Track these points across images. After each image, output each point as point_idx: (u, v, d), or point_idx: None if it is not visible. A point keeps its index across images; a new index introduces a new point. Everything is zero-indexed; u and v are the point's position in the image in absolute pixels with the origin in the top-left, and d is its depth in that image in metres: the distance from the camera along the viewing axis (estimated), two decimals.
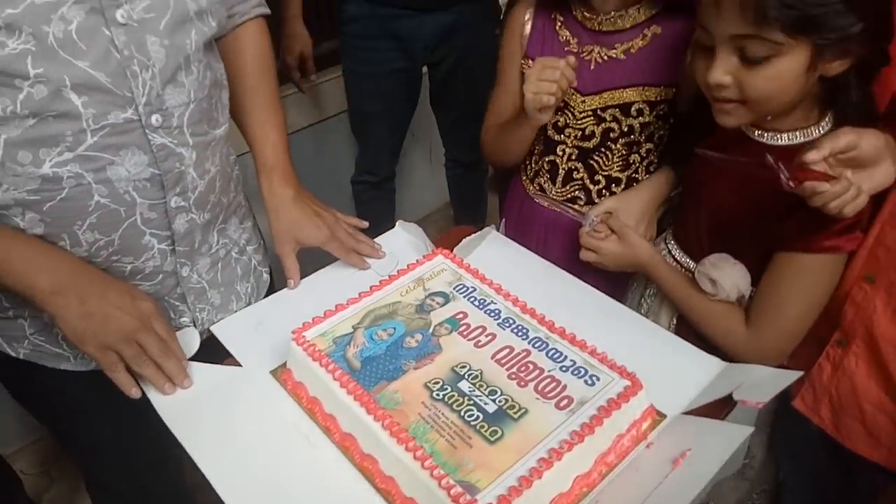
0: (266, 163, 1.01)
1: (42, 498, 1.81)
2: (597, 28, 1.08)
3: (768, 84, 0.81)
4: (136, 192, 0.81)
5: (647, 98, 1.08)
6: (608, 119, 1.10)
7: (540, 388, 0.74)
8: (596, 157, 1.14)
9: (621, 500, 0.68)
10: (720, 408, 0.76)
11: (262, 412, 0.80)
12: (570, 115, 1.12)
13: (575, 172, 1.16)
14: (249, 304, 1.02)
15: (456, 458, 0.67)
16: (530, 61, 1.13)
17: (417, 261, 0.95)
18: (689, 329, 0.99)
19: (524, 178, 1.24)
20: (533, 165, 1.22)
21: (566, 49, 1.11)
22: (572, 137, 1.14)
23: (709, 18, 0.82)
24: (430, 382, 0.76)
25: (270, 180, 1.00)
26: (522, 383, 0.75)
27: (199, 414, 0.81)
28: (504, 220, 1.29)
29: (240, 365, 0.88)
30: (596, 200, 1.14)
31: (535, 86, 1.00)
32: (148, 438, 0.93)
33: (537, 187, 1.21)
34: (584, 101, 1.10)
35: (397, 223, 1.12)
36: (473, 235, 1.08)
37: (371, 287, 0.90)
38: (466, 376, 0.76)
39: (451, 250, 0.99)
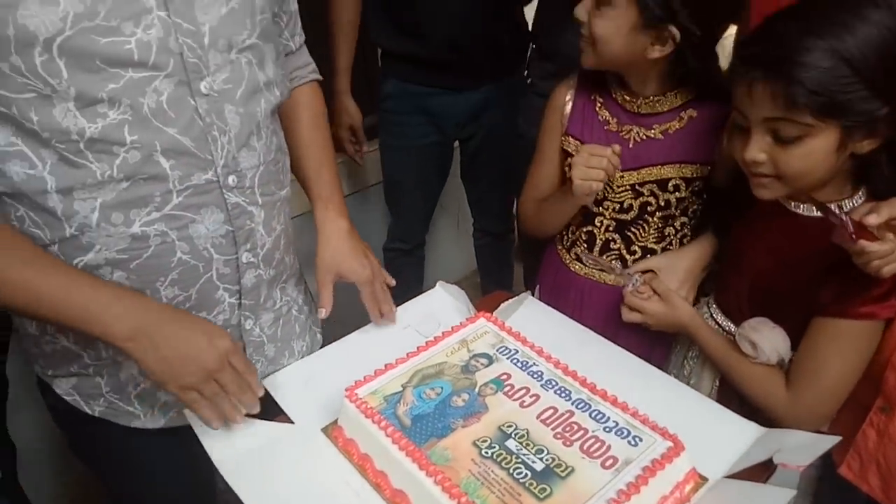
0: (322, 193, 1.06)
1: None
2: (636, 110, 1.14)
3: (801, 162, 0.87)
4: (213, 249, 0.87)
5: (684, 175, 1.14)
6: (646, 193, 1.16)
7: (585, 447, 0.77)
8: (633, 229, 1.19)
9: None
10: (761, 472, 0.78)
11: (313, 469, 0.83)
12: (609, 188, 1.18)
13: (612, 243, 1.20)
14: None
15: None
16: (571, 139, 1.20)
17: (461, 323, 0.99)
18: (731, 391, 1.02)
19: (560, 247, 1.29)
20: (570, 235, 1.27)
21: (606, 128, 1.17)
22: (611, 210, 1.19)
23: (743, 103, 0.88)
24: (478, 440, 0.78)
25: (327, 209, 1.05)
26: (568, 443, 0.78)
27: (255, 469, 0.83)
28: (539, 286, 1.33)
29: (291, 421, 0.91)
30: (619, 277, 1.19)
31: (583, 172, 1.07)
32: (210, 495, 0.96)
33: (574, 256, 1.26)
34: (622, 177, 1.16)
35: (438, 284, 1.17)
36: (511, 300, 1.13)
37: (418, 347, 0.94)
38: (513, 435, 0.79)
39: (492, 314, 1.03)
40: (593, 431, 0.79)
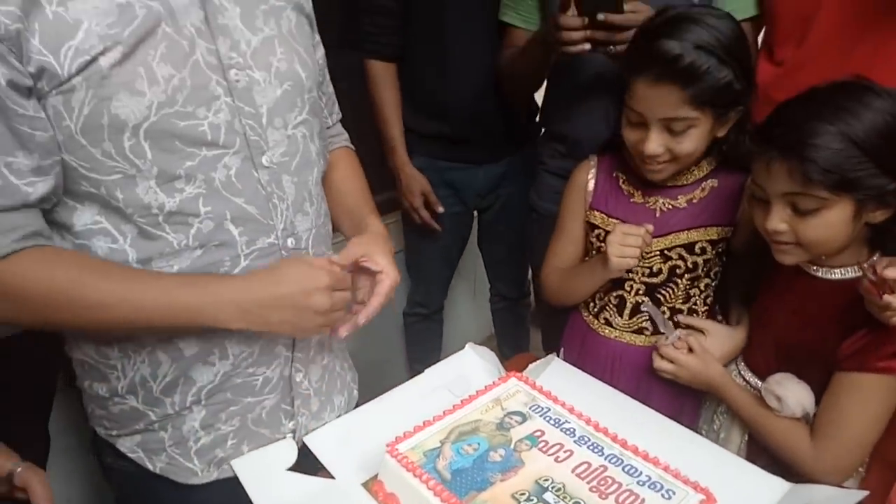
0: (364, 213, 1.10)
1: None
2: (659, 184, 1.21)
3: (819, 231, 0.93)
4: None
5: (710, 237, 1.19)
6: (674, 257, 1.21)
7: (620, 500, 0.80)
8: (662, 291, 1.23)
9: None
10: None
11: None
12: (639, 256, 1.22)
13: (642, 305, 1.25)
14: (340, 415, 1.09)
15: None
16: (596, 213, 1.27)
17: (494, 382, 1.04)
18: (760, 447, 1.05)
19: (586, 313, 1.34)
20: (598, 301, 1.31)
21: (631, 200, 1.24)
22: (640, 275, 1.24)
23: (763, 178, 0.95)
24: (517, 493, 0.82)
25: (370, 218, 1.09)
26: (603, 496, 0.81)
27: None
28: (563, 349, 1.38)
29: (332, 476, 0.94)
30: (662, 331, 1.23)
31: (619, 250, 1.13)
32: None
33: (603, 321, 1.30)
34: (650, 244, 1.20)
35: (467, 346, 1.21)
36: (539, 362, 1.17)
37: (454, 405, 0.98)
38: (550, 488, 0.82)
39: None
40: (627, 485, 0.82)
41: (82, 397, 1.00)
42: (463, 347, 1.21)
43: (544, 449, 0.90)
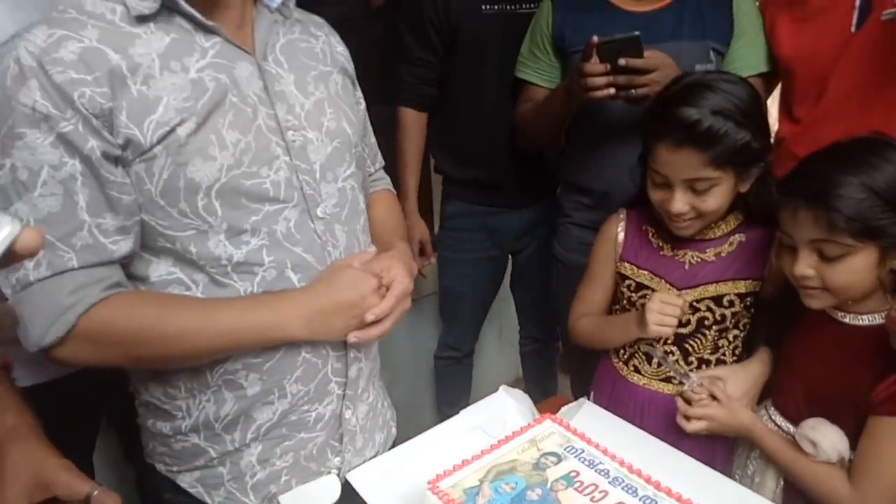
0: (393, 237, 1.17)
1: None
2: (687, 238, 1.25)
3: (845, 277, 0.97)
4: (329, 347, 0.99)
5: (738, 291, 1.23)
6: (703, 309, 1.25)
7: None
8: (691, 342, 1.27)
9: None
10: None
11: None
12: None
13: (671, 355, 1.28)
14: (379, 452, 1.14)
15: None
16: (627, 264, 1.32)
17: (529, 424, 1.07)
18: (796, 491, 1.07)
19: (616, 359, 1.37)
20: (628, 349, 1.35)
21: (661, 253, 1.28)
22: None
23: (790, 226, 1.00)
24: None
25: (397, 241, 1.16)
26: None
27: None
28: (593, 394, 1.41)
29: None
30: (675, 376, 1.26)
31: (659, 318, 1.18)
32: None
33: (632, 368, 1.34)
34: (680, 295, 1.25)
35: (500, 388, 1.25)
36: (571, 405, 1.20)
37: (491, 445, 1.02)
38: None
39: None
40: None
41: (142, 435, 1.05)
42: (490, 390, 1.25)
43: (580, 489, 0.93)
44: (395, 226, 1.22)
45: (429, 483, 0.93)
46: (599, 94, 1.34)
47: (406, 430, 1.18)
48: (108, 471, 1.63)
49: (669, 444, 1.10)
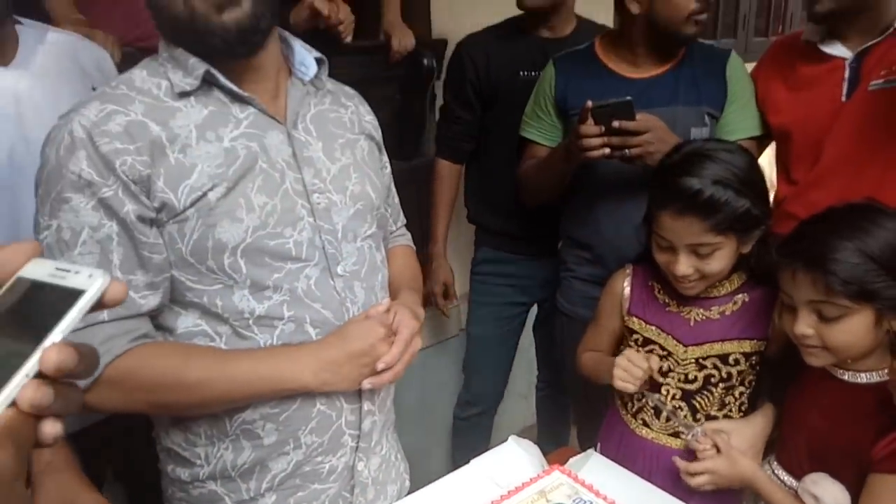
0: (403, 289, 1.18)
1: None
2: (693, 296, 1.29)
3: (843, 337, 1.01)
4: (343, 399, 1.03)
5: (744, 350, 1.27)
6: (709, 366, 1.28)
7: None
8: (698, 398, 1.30)
9: None
10: None
11: None
12: (674, 361, 1.31)
13: (679, 410, 1.31)
14: None
15: None
16: (634, 319, 1.36)
17: (538, 474, 1.11)
18: None
19: (624, 412, 1.40)
20: (636, 402, 1.38)
21: (667, 309, 1.33)
22: (676, 380, 1.31)
23: (789, 288, 1.05)
24: None
25: (405, 291, 1.17)
26: None
27: None
28: (600, 444, 1.43)
29: None
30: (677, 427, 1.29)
31: (622, 375, 1.24)
32: None
33: (641, 422, 1.37)
34: (686, 351, 1.29)
35: (510, 438, 1.28)
36: (579, 456, 1.23)
37: (501, 496, 1.05)
38: None
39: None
40: None
41: (161, 480, 1.10)
42: (503, 437, 1.28)
43: None
44: (408, 278, 1.27)
45: None
46: (595, 153, 1.41)
47: (418, 475, 1.20)
48: None
49: (678, 496, 1.13)
